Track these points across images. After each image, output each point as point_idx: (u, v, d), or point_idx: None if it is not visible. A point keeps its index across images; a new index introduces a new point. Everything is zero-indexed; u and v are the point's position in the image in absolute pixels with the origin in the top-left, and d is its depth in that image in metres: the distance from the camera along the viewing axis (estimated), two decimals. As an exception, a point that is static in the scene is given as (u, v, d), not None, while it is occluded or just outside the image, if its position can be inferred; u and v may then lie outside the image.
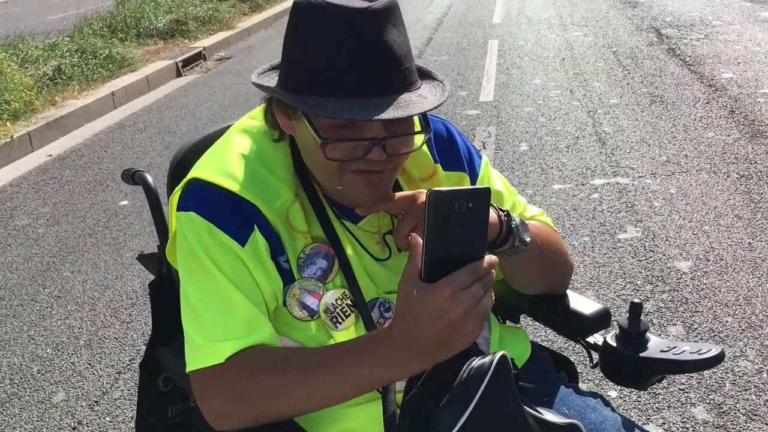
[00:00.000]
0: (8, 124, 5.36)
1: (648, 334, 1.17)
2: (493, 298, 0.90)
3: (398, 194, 1.06)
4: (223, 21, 10.11)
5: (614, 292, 2.84)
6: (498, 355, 0.96)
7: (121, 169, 5.09)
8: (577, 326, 1.25)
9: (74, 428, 2.31)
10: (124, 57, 7.58)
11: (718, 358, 1.09)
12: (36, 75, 6.43)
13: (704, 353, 1.10)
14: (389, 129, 0.99)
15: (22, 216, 4.11)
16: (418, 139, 1.04)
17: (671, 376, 2.32)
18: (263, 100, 1.10)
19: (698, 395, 2.24)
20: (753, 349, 2.44)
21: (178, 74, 7.70)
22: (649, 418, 2.16)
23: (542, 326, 2.44)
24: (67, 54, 7.14)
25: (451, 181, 1.18)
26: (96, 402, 2.43)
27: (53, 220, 4.00)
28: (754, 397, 2.22)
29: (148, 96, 6.89)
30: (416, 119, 1.07)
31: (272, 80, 1.05)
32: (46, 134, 5.53)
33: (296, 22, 0.99)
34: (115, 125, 5.94)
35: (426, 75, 1.06)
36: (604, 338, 1.21)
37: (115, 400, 2.44)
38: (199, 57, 8.30)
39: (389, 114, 0.93)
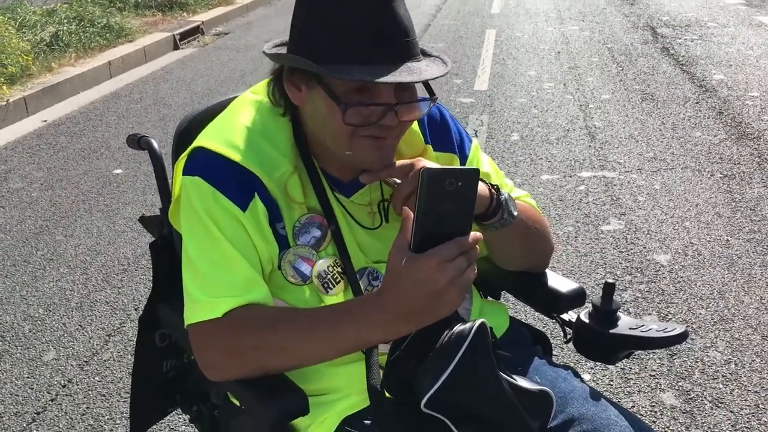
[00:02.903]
0: (4, 87, 5.37)
1: (618, 312, 1.25)
2: (476, 271, 0.98)
3: (399, 162, 1.13)
4: (223, -4, 10.08)
5: (594, 281, 2.92)
6: (477, 322, 1.03)
7: (116, 138, 5.09)
8: (553, 303, 1.33)
9: (64, 386, 2.38)
10: (121, 27, 7.57)
11: (682, 336, 1.17)
12: (33, 40, 6.42)
13: (669, 331, 1.18)
14: (400, 96, 1.06)
15: (16, 179, 4.14)
16: (424, 107, 1.11)
17: (643, 361, 2.42)
18: (270, 74, 1.16)
19: (668, 381, 2.33)
20: (723, 340, 2.54)
21: (176, 47, 7.70)
22: (619, 401, 2.26)
23: (522, 307, 2.52)
24: (65, 21, 7.12)
25: (441, 162, 1.24)
26: (86, 362, 2.50)
27: (47, 185, 4.04)
28: (721, 386, 2.31)
29: (144, 67, 6.90)
30: (420, 89, 1.14)
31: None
32: (42, 100, 5.55)
33: None
34: (110, 94, 5.96)
35: (423, 52, 1.13)
36: (578, 315, 1.29)
37: (104, 361, 2.50)
38: (197, 31, 8.30)
39: (407, 78, 1.01)
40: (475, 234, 0.95)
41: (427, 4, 10.17)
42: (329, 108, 1.05)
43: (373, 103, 1.04)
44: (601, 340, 1.23)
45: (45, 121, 5.26)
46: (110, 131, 4.97)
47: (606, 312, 1.23)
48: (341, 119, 1.04)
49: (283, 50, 1.13)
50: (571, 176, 4.00)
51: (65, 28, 6.94)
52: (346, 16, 1.02)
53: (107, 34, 7.26)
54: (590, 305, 1.26)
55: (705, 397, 2.27)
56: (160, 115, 5.31)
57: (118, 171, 4.21)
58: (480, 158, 1.32)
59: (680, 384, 2.32)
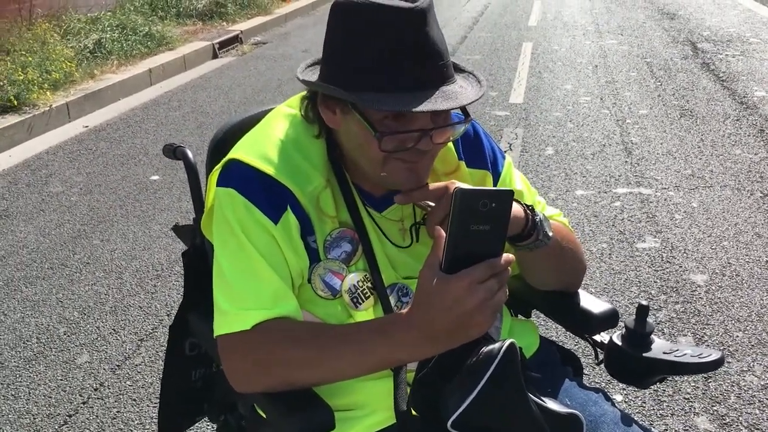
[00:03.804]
0: (48, 93, 5.50)
1: (652, 335, 1.23)
2: (507, 294, 0.97)
3: (432, 184, 1.13)
4: (262, 6, 10.22)
5: (628, 300, 2.88)
6: (507, 342, 1.02)
7: (154, 144, 5.19)
8: (585, 323, 1.31)
9: (96, 389, 2.41)
10: (162, 35, 7.71)
11: (718, 363, 1.14)
12: (77, 47, 6.58)
13: (705, 357, 1.16)
14: (435, 119, 1.06)
15: (57, 183, 4.23)
16: (459, 128, 1.11)
17: (677, 383, 2.37)
18: (306, 94, 1.17)
19: (702, 405, 2.28)
20: (761, 365, 2.48)
21: (214, 56, 7.81)
22: (652, 424, 2.21)
23: (553, 324, 2.49)
24: (108, 29, 7.28)
25: (474, 179, 1.24)
26: (118, 366, 2.53)
27: (86, 190, 4.12)
28: (757, 412, 2.26)
29: (183, 75, 7.01)
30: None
31: (314, 75, 1.12)
32: (84, 106, 5.67)
33: (343, 23, 1.06)
34: (150, 102, 6.06)
35: (455, 68, 1.13)
36: (611, 337, 1.26)
37: (136, 365, 2.53)
38: (235, 40, 8.41)
39: (444, 105, 1.01)
40: (507, 256, 0.95)
41: (465, 16, 10.17)
42: (364, 134, 1.05)
43: (409, 130, 1.05)
44: (634, 364, 1.21)
45: (86, 126, 5.37)
46: (149, 138, 5.05)
47: (639, 335, 1.21)
48: (377, 147, 1.04)
49: (316, 70, 1.13)
50: (606, 192, 3.95)
51: (108, 35, 7.09)
52: (380, 43, 1.02)
53: (149, 42, 7.40)
54: (623, 327, 1.24)
55: (741, 423, 2.21)
56: (198, 122, 5.39)
57: (155, 177, 4.28)
58: (513, 176, 1.31)
59: (715, 408, 2.27)
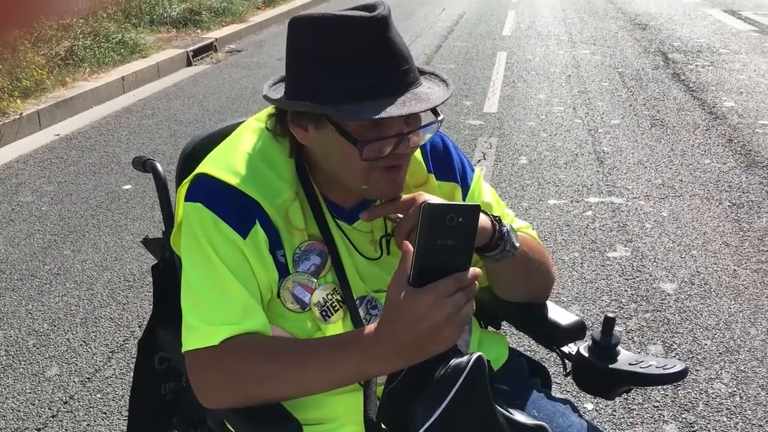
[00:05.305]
0: (18, 101, 5.43)
1: (618, 347, 1.24)
2: (474, 307, 0.98)
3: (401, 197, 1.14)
4: (237, 13, 10.18)
5: (599, 309, 2.91)
6: (475, 355, 1.03)
7: (126, 153, 5.13)
8: (553, 335, 1.32)
9: (65, 402, 2.38)
10: (136, 43, 7.65)
11: (681, 374, 1.16)
12: (48, 54, 6.50)
13: (669, 368, 1.18)
14: (409, 122, 1.07)
15: (27, 193, 4.18)
16: (432, 128, 1.12)
17: (647, 392, 2.40)
18: (273, 112, 1.17)
19: (671, 413, 2.31)
20: (728, 372, 2.52)
21: (189, 63, 7.77)
22: (621, 432, 2.24)
23: (523, 336, 2.51)
24: (80, 36, 7.21)
25: (443, 191, 1.25)
26: (88, 378, 2.50)
27: (57, 199, 4.07)
28: (725, 419, 2.29)
29: (157, 83, 6.96)
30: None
31: (280, 93, 1.12)
32: (55, 114, 5.60)
33: (305, 38, 1.06)
34: (123, 110, 6.01)
35: (419, 70, 1.14)
36: (578, 348, 1.28)
37: (107, 378, 2.50)
38: (210, 48, 8.37)
39: (419, 107, 1.03)
40: (474, 269, 0.96)
41: (440, 25, 10.23)
42: (344, 147, 1.06)
43: (388, 136, 1.06)
44: (600, 375, 1.23)
45: (57, 135, 5.30)
46: (121, 146, 5.01)
47: (605, 346, 1.23)
48: (359, 157, 1.05)
49: (282, 87, 1.13)
50: (578, 201, 4.00)
51: (80, 42, 7.02)
52: (348, 53, 1.03)
53: (122, 50, 7.34)
54: (590, 339, 1.26)
55: (709, 430, 2.24)
56: (171, 131, 5.35)
57: (128, 186, 4.24)
58: (482, 188, 1.33)
59: (684, 416, 2.30)
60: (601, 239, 3.53)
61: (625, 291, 3.04)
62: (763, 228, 3.64)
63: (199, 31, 9.05)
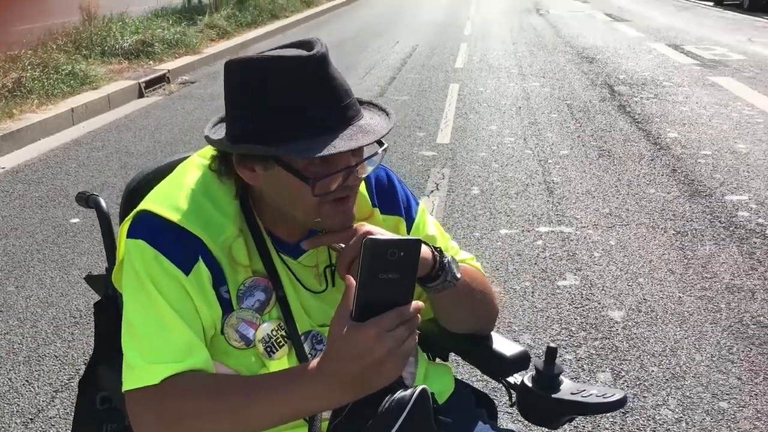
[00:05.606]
0: (-38, 133, 5.31)
1: (561, 376, 1.26)
2: (417, 340, 0.99)
3: None
4: (190, 45, 10.17)
5: (550, 337, 2.95)
6: (419, 389, 1.04)
7: (74, 186, 5.02)
8: (497, 366, 1.34)
9: (6, 445, 2.31)
10: (86, 74, 7.57)
11: (620, 403, 1.19)
12: (-5, 86, 6.38)
13: (609, 397, 1.20)
14: (355, 154, 1.09)
15: (-31, 227, 4.06)
16: (378, 158, 1.13)
17: (596, 419, 2.43)
18: (216, 153, 1.17)
19: (620, 440, 2.34)
20: (675, 398, 2.57)
21: (140, 95, 7.71)
22: (572, 460, 2.26)
23: (470, 367, 2.52)
24: (28, 67, 7.10)
25: (388, 225, 1.26)
26: (31, 419, 2.43)
27: (1, 234, 3.96)
28: (672, 445, 2.33)
29: (107, 114, 6.88)
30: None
31: (221, 133, 1.13)
32: (1, 146, 5.49)
33: (246, 80, 1.06)
34: (72, 142, 5.92)
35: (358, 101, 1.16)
36: (522, 379, 1.30)
37: (50, 418, 2.43)
38: (162, 79, 8.32)
39: (366, 139, 1.05)
40: (416, 303, 0.97)
41: (393, 57, 10.37)
42: (294, 184, 1.07)
43: (337, 170, 1.07)
44: (543, 405, 1.24)
45: (3, 168, 5.19)
46: (69, 179, 4.92)
47: (548, 376, 1.25)
48: (310, 194, 1.06)
49: (224, 128, 1.14)
50: (529, 231, 4.06)
51: (29, 74, 6.91)
52: (290, 96, 1.04)
53: (71, 81, 7.25)
54: (534, 369, 1.28)
55: (656, 456, 2.28)
56: (122, 163, 5.29)
57: (75, 220, 4.16)
58: (426, 221, 1.35)
59: (632, 442, 2.34)
60: (552, 268, 3.59)
61: (575, 319, 3.09)
62: (706, 255, 3.75)
63: (151, 62, 9.00)
